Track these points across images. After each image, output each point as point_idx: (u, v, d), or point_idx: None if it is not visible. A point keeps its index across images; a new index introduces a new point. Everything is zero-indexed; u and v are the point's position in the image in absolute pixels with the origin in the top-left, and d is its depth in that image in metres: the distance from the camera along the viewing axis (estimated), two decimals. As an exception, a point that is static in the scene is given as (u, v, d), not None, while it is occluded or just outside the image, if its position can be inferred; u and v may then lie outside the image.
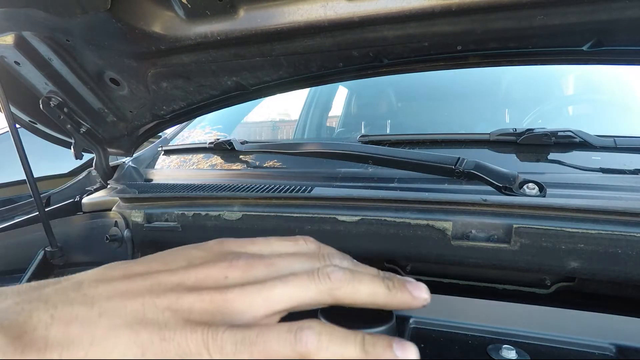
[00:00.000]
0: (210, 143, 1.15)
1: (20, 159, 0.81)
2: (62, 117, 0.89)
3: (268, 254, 0.33)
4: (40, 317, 0.26)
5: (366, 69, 0.82)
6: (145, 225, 0.85)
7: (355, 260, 0.37)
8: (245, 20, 0.69)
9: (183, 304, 0.28)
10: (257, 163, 1.10)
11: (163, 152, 1.31)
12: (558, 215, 0.56)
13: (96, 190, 1.17)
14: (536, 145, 0.84)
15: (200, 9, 0.68)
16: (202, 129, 1.53)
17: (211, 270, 0.30)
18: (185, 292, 0.28)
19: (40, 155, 2.12)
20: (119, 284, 0.28)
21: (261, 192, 0.76)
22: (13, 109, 0.84)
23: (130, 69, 0.82)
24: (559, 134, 0.83)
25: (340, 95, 1.97)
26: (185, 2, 0.66)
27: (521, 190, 0.64)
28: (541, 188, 0.64)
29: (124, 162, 1.20)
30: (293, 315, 0.32)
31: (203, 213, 0.75)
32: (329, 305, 0.36)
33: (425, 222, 0.61)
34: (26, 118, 0.94)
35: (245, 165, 1.11)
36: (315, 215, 0.67)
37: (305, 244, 0.37)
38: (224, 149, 1.13)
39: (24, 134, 0.84)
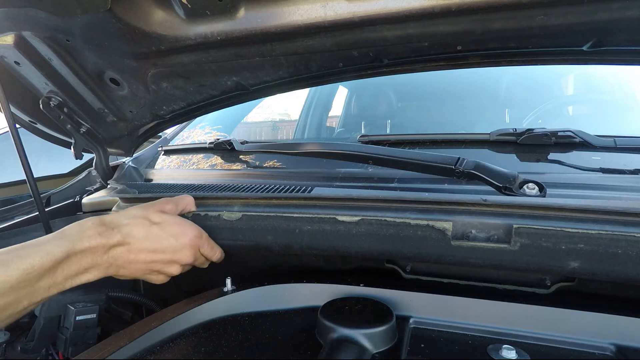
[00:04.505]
0: (210, 143, 1.15)
1: (20, 159, 0.81)
2: (62, 117, 0.89)
3: None
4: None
5: (366, 69, 0.82)
6: (145, 225, 0.85)
7: None
8: (245, 20, 0.69)
9: None
10: (257, 163, 1.10)
11: (163, 152, 1.31)
12: (558, 215, 0.56)
13: (96, 190, 1.17)
14: (536, 145, 0.84)
15: (200, 9, 0.68)
16: (202, 129, 1.53)
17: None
18: None
19: (40, 155, 2.13)
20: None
21: (261, 192, 0.76)
22: (13, 109, 0.84)
23: (130, 69, 0.82)
24: (559, 134, 0.83)
25: (340, 95, 1.97)
26: (185, 2, 0.66)
27: (521, 190, 0.64)
28: (541, 188, 0.64)
29: (124, 162, 1.20)
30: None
31: (203, 213, 0.75)
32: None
33: (425, 222, 0.61)
34: (26, 118, 0.94)
35: (245, 165, 1.11)
36: (315, 215, 0.67)
37: None
38: (224, 149, 1.13)
39: (24, 134, 0.84)
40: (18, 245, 0.53)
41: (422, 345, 0.58)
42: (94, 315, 0.83)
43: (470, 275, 0.72)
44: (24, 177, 0.82)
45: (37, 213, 0.86)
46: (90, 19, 0.69)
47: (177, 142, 1.47)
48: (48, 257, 0.53)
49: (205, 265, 0.74)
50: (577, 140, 0.82)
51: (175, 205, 0.72)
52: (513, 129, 0.87)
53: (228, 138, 1.13)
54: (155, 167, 1.27)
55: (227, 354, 0.58)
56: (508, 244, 0.57)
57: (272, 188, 0.77)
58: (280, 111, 2.76)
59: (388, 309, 0.61)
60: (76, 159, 0.97)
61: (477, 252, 0.59)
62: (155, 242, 0.64)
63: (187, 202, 0.75)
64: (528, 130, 0.84)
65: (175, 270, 0.68)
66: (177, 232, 0.67)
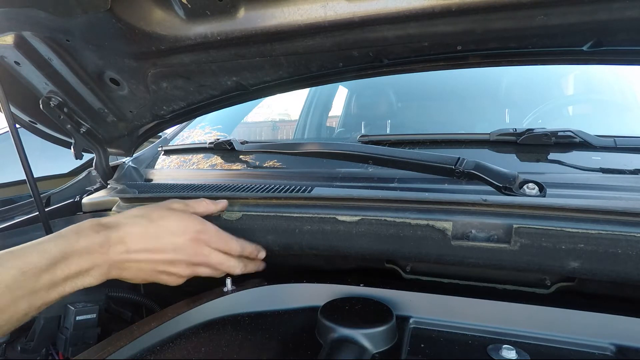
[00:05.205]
0: (210, 143, 1.15)
1: (20, 159, 0.81)
2: (62, 117, 0.89)
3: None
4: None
5: (366, 69, 0.82)
6: (145, 225, 0.85)
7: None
8: (245, 20, 0.69)
9: None
10: (257, 163, 1.10)
11: (163, 152, 1.31)
12: (558, 215, 0.56)
13: (96, 190, 1.17)
14: (536, 145, 0.84)
15: (200, 9, 0.68)
16: (202, 129, 1.53)
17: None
18: None
19: (40, 155, 2.13)
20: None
21: (261, 192, 0.76)
22: (13, 109, 0.84)
23: (130, 69, 0.82)
24: (559, 134, 0.83)
25: (340, 95, 1.97)
26: (185, 2, 0.66)
27: (521, 190, 0.64)
28: (541, 188, 0.64)
29: (124, 162, 1.20)
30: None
31: (203, 213, 0.75)
32: None
33: (425, 222, 0.61)
34: (26, 118, 0.94)
35: (245, 165, 1.11)
36: (315, 215, 0.67)
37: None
38: (224, 149, 1.13)
39: (24, 134, 0.84)
40: (14, 247, 0.52)
41: (422, 345, 0.58)
42: (94, 315, 0.83)
43: (470, 275, 0.72)
44: (24, 177, 0.82)
45: (37, 213, 0.86)
46: (90, 19, 0.69)
47: (177, 142, 1.47)
48: (45, 255, 0.52)
49: (237, 270, 0.68)
50: (577, 140, 0.82)
51: (185, 205, 0.68)
52: (513, 129, 0.87)
53: (228, 138, 1.13)
54: (155, 167, 1.27)
55: (227, 354, 0.58)
56: (508, 243, 0.57)
57: (272, 188, 0.77)
58: (280, 111, 2.77)
59: (388, 309, 0.61)
60: (76, 159, 0.97)
61: (477, 252, 0.59)
62: (154, 241, 0.61)
63: (203, 205, 0.69)
64: (528, 130, 0.84)
65: (182, 270, 0.64)
66: (176, 229, 0.62)
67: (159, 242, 0.61)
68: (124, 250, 0.59)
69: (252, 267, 0.72)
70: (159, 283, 0.65)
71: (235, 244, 0.68)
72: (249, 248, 0.70)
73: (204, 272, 0.67)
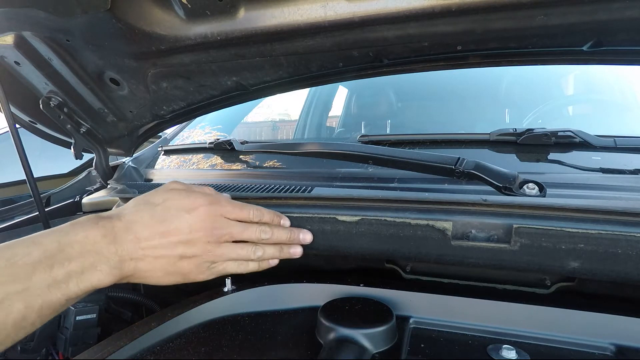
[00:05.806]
0: (210, 143, 1.15)
1: (20, 159, 0.81)
2: (62, 117, 0.89)
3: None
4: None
5: (366, 69, 0.82)
6: (145, 225, 0.85)
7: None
8: (245, 20, 0.69)
9: None
10: (257, 163, 1.10)
11: (163, 152, 1.31)
12: (558, 215, 0.56)
13: (96, 190, 1.17)
14: (536, 145, 0.84)
15: (200, 9, 0.68)
16: (202, 129, 1.53)
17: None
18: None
19: (40, 155, 2.13)
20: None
21: (261, 192, 0.76)
22: (13, 109, 0.84)
23: (130, 69, 0.82)
24: (559, 134, 0.83)
25: (340, 95, 1.97)
26: (185, 2, 0.66)
27: (521, 190, 0.64)
28: (541, 188, 0.64)
29: (124, 162, 1.20)
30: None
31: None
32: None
33: (425, 222, 0.61)
34: (26, 118, 0.94)
35: (245, 165, 1.11)
36: (315, 215, 0.67)
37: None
38: (224, 149, 1.13)
39: (24, 134, 0.84)
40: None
41: (422, 345, 0.58)
42: (94, 315, 0.83)
43: (470, 275, 0.72)
44: (24, 177, 0.82)
45: (37, 213, 0.86)
46: (90, 19, 0.69)
47: (177, 142, 1.47)
48: (35, 247, 0.45)
49: (264, 236, 0.60)
50: (577, 140, 0.82)
51: (186, 186, 0.61)
52: (513, 129, 0.87)
53: (228, 138, 1.13)
54: (155, 167, 1.27)
55: (227, 354, 0.58)
56: (508, 243, 0.57)
57: (272, 188, 0.77)
58: (280, 111, 2.76)
59: (388, 309, 0.61)
60: (76, 159, 0.97)
61: (477, 252, 0.59)
62: (165, 222, 0.53)
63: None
64: (528, 130, 0.84)
65: (204, 251, 0.55)
66: (186, 205, 0.55)
67: (172, 224, 0.53)
68: (132, 238, 0.51)
69: (282, 235, 0.63)
70: (185, 278, 0.56)
71: (251, 209, 0.61)
72: (268, 214, 0.62)
73: (229, 252, 0.58)
